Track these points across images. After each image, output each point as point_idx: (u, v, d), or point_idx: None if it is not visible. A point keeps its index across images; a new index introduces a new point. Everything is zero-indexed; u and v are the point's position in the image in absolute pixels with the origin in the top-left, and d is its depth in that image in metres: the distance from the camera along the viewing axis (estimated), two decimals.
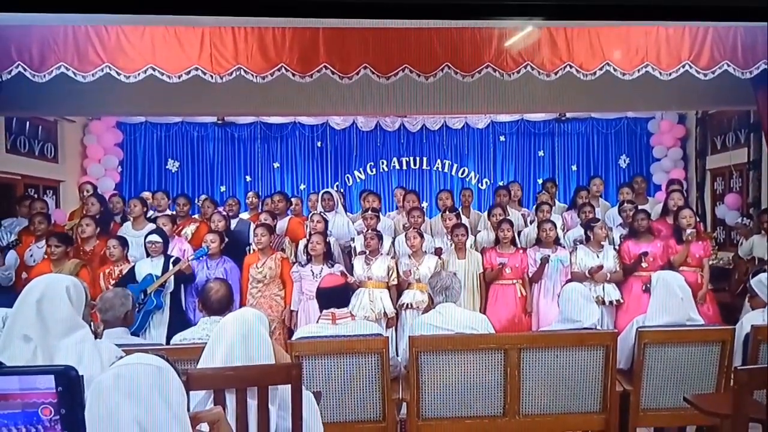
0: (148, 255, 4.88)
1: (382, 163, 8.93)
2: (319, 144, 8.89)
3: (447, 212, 5.54)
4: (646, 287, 3.78)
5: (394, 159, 8.95)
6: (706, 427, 3.59)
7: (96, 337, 2.36)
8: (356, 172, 8.92)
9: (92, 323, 4.37)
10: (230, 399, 2.31)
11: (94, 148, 8.06)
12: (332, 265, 4.97)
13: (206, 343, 2.41)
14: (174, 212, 6.10)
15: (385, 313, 4.84)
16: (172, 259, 4.86)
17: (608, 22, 4.52)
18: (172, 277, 4.80)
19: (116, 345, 2.44)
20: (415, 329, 3.47)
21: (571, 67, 4.80)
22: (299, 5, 1.43)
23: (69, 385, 1.21)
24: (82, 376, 1.25)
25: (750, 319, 3.45)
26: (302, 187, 8.83)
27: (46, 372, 1.21)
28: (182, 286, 5.00)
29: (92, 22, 4.59)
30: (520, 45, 4.77)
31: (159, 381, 1.49)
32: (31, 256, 5.15)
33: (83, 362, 2.17)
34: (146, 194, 6.82)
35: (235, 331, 2.36)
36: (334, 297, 3.42)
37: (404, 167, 8.97)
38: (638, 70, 4.82)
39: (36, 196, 6.77)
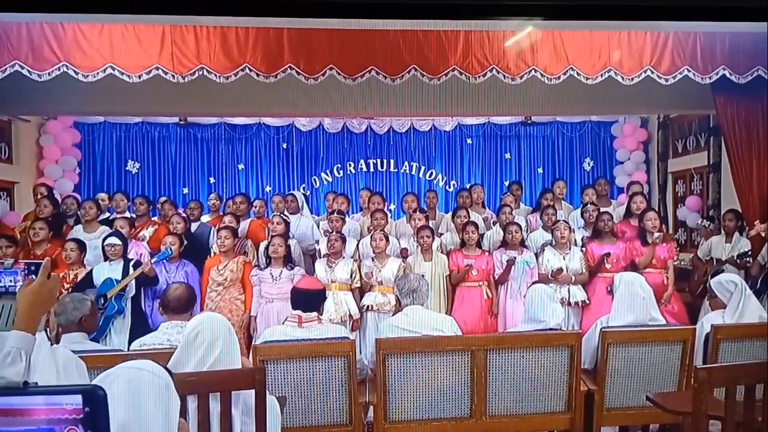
0: (106, 259, 4.75)
1: (350, 165, 8.89)
2: (284, 145, 8.79)
3: (416, 213, 5.54)
4: (610, 289, 3.83)
5: (362, 161, 8.91)
6: (669, 425, 3.65)
7: (51, 343, 2.27)
8: (323, 174, 8.86)
9: (47, 328, 4.25)
10: (192, 405, 2.25)
11: (51, 148, 7.81)
12: (292, 268, 4.91)
13: (167, 348, 2.35)
14: (132, 214, 5.95)
15: (350, 315, 4.81)
16: (132, 262, 4.74)
17: (589, 26, 4.61)
18: (133, 282, 4.68)
19: (73, 351, 2.36)
20: (382, 332, 3.45)
21: (535, 71, 4.85)
22: (300, 5, 1.40)
23: (96, 405, 1.19)
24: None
25: (710, 319, 3.52)
26: (268, 189, 8.72)
27: (73, 392, 1.19)
28: (143, 290, 4.88)
29: (49, 20, 4.46)
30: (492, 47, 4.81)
31: (165, 398, 1.47)
32: None
33: (38, 368, 2.08)
34: (103, 195, 6.64)
35: (213, 334, 2.33)
36: (309, 299, 3.37)
37: (371, 169, 8.93)
38: (601, 75, 4.90)
39: None
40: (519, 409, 3.28)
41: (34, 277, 1.68)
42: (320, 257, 5.22)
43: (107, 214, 6.11)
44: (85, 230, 5.39)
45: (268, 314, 4.80)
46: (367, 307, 4.88)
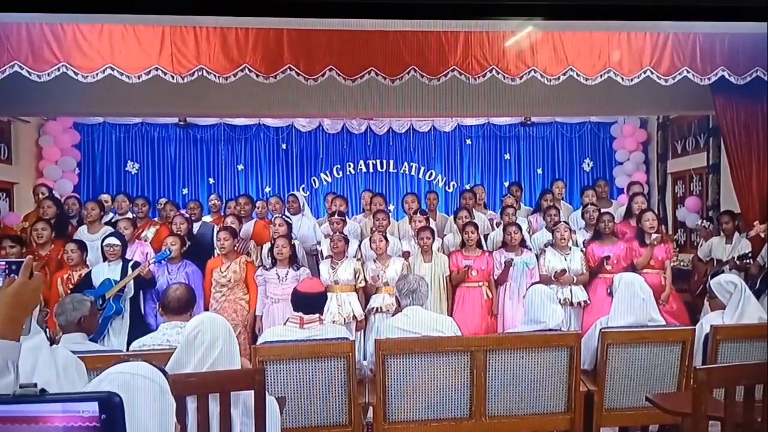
0: (105, 259, 4.74)
1: (349, 165, 8.89)
2: (284, 146, 8.79)
3: (417, 214, 5.54)
4: (610, 290, 3.82)
5: (361, 162, 8.91)
6: (669, 426, 3.65)
7: (52, 344, 2.27)
8: (323, 175, 8.86)
9: (48, 329, 4.25)
10: (191, 406, 2.25)
11: (51, 149, 7.81)
12: (297, 269, 4.91)
13: (166, 349, 2.35)
14: (134, 215, 5.94)
15: (354, 316, 4.80)
16: (131, 263, 4.74)
17: (589, 26, 4.60)
18: (132, 282, 4.67)
19: (73, 351, 2.36)
20: (382, 332, 3.45)
21: (535, 72, 4.85)
22: (300, 5, 1.40)
23: (113, 412, 1.18)
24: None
25: (709, 319, 3.52)
26: (267, 189, 8.71)
27: (90, 399, 1.18)
28: (142, 291, 4.88)
29: (49, 20, 4.46)
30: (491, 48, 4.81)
31: (161, 404, 1.44)
32: None
33: (38, 369, 2.09)
34: (106, 197, 6.64)
35: (213, 335, 2.33)
36: (310, 302, 3.37)
37: (371, 170, 8.93)
38: (601, 76, 4.90)
39: None
40: (519, 410, 3.27)
41: (16, 276, 1.52)
42: (323, 258, 5.22)
43: (110, 215, 6.11)
44: (89, 231, 5.39)
45: (274, 314, 4.79)
46: (376, 309, 4.86)
